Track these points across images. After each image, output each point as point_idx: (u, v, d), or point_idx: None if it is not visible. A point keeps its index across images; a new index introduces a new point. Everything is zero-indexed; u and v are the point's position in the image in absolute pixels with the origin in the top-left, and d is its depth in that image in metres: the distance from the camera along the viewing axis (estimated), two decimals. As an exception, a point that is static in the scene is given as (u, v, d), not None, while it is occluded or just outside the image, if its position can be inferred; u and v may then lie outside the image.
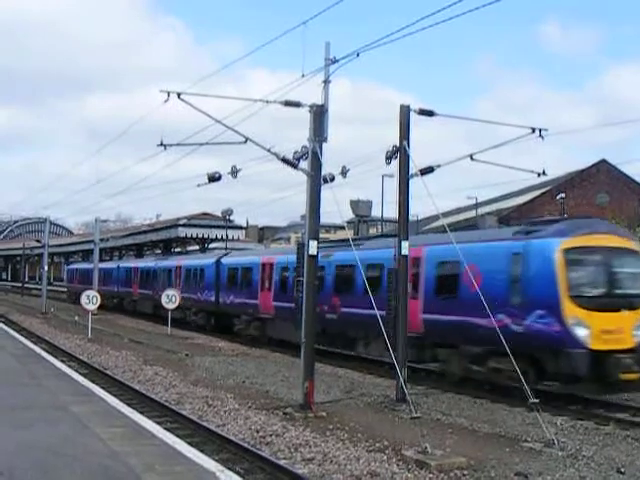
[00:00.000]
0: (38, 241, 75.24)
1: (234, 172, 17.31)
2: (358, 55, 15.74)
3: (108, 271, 61.71)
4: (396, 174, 18.63)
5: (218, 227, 60.72)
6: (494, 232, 22.34)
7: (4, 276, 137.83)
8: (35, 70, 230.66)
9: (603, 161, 59.85)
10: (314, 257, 16.79)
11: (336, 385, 20.56)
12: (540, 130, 18.44)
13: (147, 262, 54.76)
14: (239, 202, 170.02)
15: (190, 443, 11.71)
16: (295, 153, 16.68)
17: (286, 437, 13.56)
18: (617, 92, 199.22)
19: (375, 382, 21.66)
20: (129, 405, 15.06)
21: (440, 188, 46.48)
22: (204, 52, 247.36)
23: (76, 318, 44.42)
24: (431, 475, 11.23)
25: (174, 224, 61.24)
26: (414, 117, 18.09)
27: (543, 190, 57.43)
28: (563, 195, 51.67)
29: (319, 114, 16.50)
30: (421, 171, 18.15)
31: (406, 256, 18.21)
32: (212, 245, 64.08)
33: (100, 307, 54.22)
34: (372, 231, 68.85)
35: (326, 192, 16.91)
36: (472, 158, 19.23)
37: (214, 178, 17.79)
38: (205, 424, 14.57)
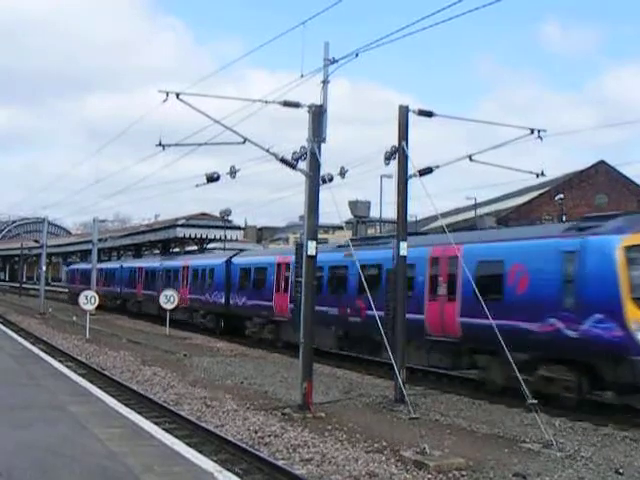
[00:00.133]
0: (36, 241, 75.20)
1: (233, 172, 17.31)
2: (357, 55, 15.76)
3: (111, 271, 60.80)
4: (395, 175, 18.64)
5: (216, 227, 60.64)
6: (541, 229, 21.10)
7: (2, 276, 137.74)
8: (35, 70, 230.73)
9: (602, 162, 59.94)
10: (313, 258, 16.77)
11: (335, 386, 20.55)
12: (539, 131, 18.43)
13: (152, 262, 53.36)
14: (238, 202, 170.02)
15: (188, 444, 11.70)
16: (294, 153, 16.69)
17: (284, 438, 13.56)
18: (617, 93, 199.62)
19: (374, 383, 21.65)
20: (127, 405, 15.04)
21: (439, 189, 46.80)
22: (204, 52, 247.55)
23: (74, 318, 44.37)
24: (430, 476, 11.23)
25: (172, 224, 61.18)
26: (414, 118, 18.09)
27: (542, 191, 57.52)
28: (562, 196, 51.78)
29: (318, 114, 16.50)
30: (420, 172, 18.15)
31: (404, 257, 18.19)
32: (210, 245, 64.02)
33: (102, 308, 54.27)
34: (370, 232, 68.85)
35: (325, 192, 16.95)
36: (471, 159, 19.21)
37: (213, 178, 17.78)
38: (203, 425, 14.56)
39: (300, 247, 17.72)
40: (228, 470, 9.96)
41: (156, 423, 13.40)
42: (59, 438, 10.88)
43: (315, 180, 16.68)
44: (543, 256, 17.86)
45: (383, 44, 15.35)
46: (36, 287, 79.44)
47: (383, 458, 12.14)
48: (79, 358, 25.86)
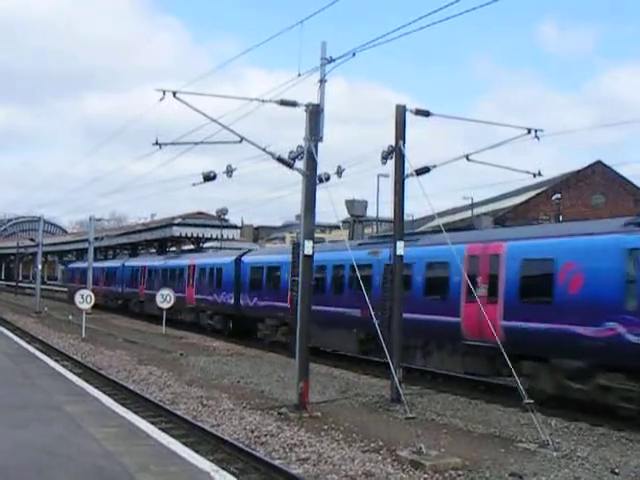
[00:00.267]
0: (32, 240, 75.14)
1: (229, 171, 17.28)
2: (354, 55, 15.75)
3: (111, 270, 59.38)
4: (392, 174, 18.62)
5: (213, 226, 60.59)
6: (596, 224, 19.65)
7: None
8: (33, 69, 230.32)
9: (598, 162, 59.98)
10: (310, 257, 16.75)
11: (331, 385, 20.54)
12: (536, 131, 18.43)
13: (155, 261, 51.52)
14: (234, 201, 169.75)
15: (185, 443, 11.68)
16: (291, 153, 16.67)
17: (281, 437, 13.55)
18: (614, 93, 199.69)
19: (370, 382, 21.64)
20: (123, 405, 15.02)
21: (436, 188, 46.69)
22: (202, 51, 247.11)
23: (70, 317, 44.32)
24: (426, 475, 11.22)
25: (169, 223, 61.11)
26: (411, 117, 18.08)
27: (539, 191, 57.54)
28: (559, 196, 51.79)
29: (315, 114, 16.49)
30: (417, 171, 18.14)
31: (401, 256, 18.16)
32: (207, 245, 63.96)
33: (103, 308, 54.06)
34: (367, 231, 68.82)
35: (321, 192, 16.94)
36: (468, 158, 19.20)
37: (209, 177, 17.76)
38: (200, 424, 14.54)
39: (297, 246, 17.70)
40: (224, 469, 9.96)
41: (152, 422, 13.38)
42: (55, 438, 10.86)
43: (312, 179, 16.67)
44: (601, 254, 16.39)
45: (380, 44, 15.36)
46: (32, 286, 79.37)
47: (379, 458, 12.13)
48: (75, 357, 25.84)
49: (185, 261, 43.92)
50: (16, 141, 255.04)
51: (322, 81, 16.47)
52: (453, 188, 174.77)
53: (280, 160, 16.55)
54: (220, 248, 56.50)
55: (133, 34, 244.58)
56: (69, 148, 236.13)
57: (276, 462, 11.65)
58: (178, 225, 59.26)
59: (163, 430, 12.68)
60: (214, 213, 61.78)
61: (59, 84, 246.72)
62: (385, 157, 18.09)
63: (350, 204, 57.11)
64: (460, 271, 19.45)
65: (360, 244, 26.05)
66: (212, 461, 10.55)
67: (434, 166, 18.89)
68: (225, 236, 61.31)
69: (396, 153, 17.94)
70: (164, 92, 15.55)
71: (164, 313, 37.91)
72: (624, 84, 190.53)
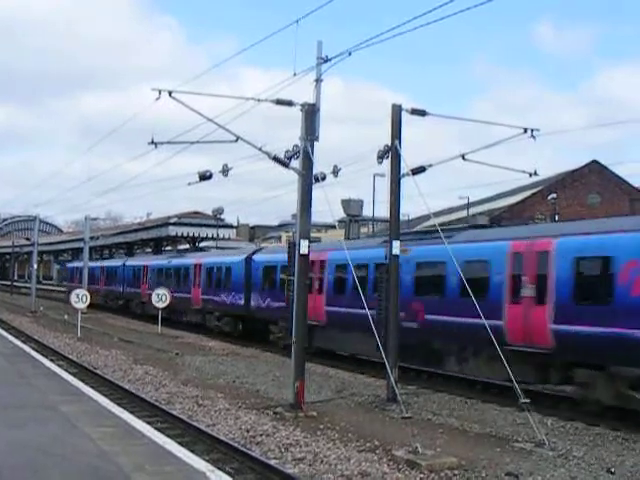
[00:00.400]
0: (27, 239, 75.03)
1: (225, 171, 17.28)
2: (350, 54, 15.75)
3: (112, 270, 57.85)
4: (388, 173, 18.62)
5: (209, 226, 60.55)
6: None
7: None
8: (32, 69, 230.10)
9: (594, 162, 60.05)
10: (305, 257, 16.73)
11: (327, 385, 20.53)
12: (532, 130, 18.45)
13: (159, 260, 49.92)
14: (230, 201, 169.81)
15: (180, 443, 11.65)
16: (286, 152, 16.67)
17: (276, 437, 13.53)
18: (610, 93, 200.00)
19: (366, 382, 21.64)
20: (119, 405, 14.98)
21: (432, 188, 46.74)
22: (199, 51, 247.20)
23: (65, 317, 44.25)
24: (422, 475, 11.22)
25: (165, 223, 61.07)
26: (407, 117, 18.11)
27: (534, 190, 57.59)
28: (555, 195, 51.84)
29: (311, 113, 16.47)
30: (413, 171, 18.15)
31: (397, 256, 18.16)
32: (203, 244, 63.92)
33: (103, 309, 53.76)
34: (363, 230, 68.84)
35: (317, 191, 16.94)
36: (464, 158, 19.21)
37: (205, 176, 17.75)
38: (195, 424, 14.52)
39: (293, 246, 17.68)
40: (220, 469, 9.91)
41: (148, 422, 13.34)
42: (50, 437, 10.82)
43: (308, 179, 16.66)
44: None
45: (376, 43, 15.38)
46: (27, 285, 79.24)
47: (375, 457, 12.13)
48: (70, 357, 25.78)
49: (191, 260, 42.27)
50: (14, 141, 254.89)
51: (318, 80, 16.46)
52: (449, 188, 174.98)
53: (276, 159, 16.54)
54: (216, 248, 56.38)
55: (131, 34, 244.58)
56: (66, 147, 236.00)
57: (272, 462, 11.63)
58: (174, 224, 59.22)
59: (159, 430, 12.64)
60: (210, 212, 61.76)
61: (57, 84, 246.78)
62: (381, 156, 18.09)
63: (346, 203, 57.08)
64: (502, 270, 18.53)
65: (385, 241, 24.20)
66: (208, 461, 10.53)
67: (430, 166, 18.90)
68: (221, 235, 61.29)
69: (392, 152, 17.95)
70: (160, 92, 15.54)
71: (159, 312, 37.82)
72: (620, 84, 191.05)
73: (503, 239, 19.19)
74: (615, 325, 15.41)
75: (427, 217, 42.32)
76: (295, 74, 16.45)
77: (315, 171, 16.80)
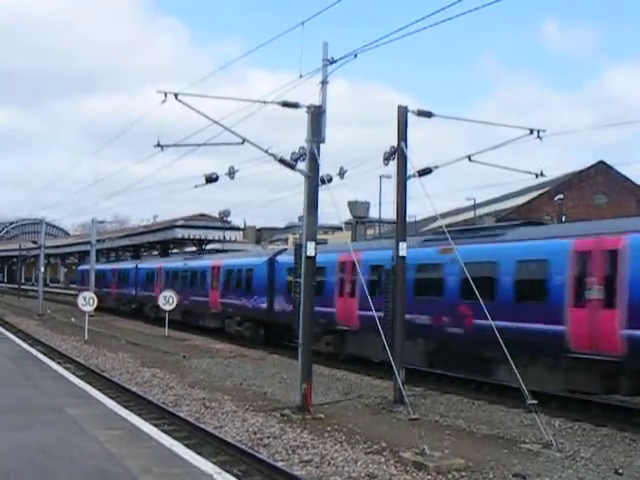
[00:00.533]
0: (34, 242, 75.22)
1: (231, 173, 17.29)
2: (356, 56, 15.75)
3: (124, 272, 56.29)
4: (394, 175, 18.61)
5: (215, 228, 60.68)
6: None
7: (0, 277, 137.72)
8: (34, 70, 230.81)
9: (601, 162, 60.03)
10: (312, 258, 16.73)
11: (334, 387, 20.51)
12: (538, 131, 18.41)
13: (174, 262, 48.18)
14: (236, 203, 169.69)
15: (187, 445, 11.66)
16: (293, 154, 16.67)
17: (284, 439, 13.52)
18: (616, 93, 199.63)
19: (373, 384, 21.60)
20: (126, 407, 15.00)
21: (439, 189, 46.79)
22: (204, 53, 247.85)
23: (73, 320, 44.33)
24: (429, 477, 11.20)
25: (171, 225, 61.25)
26: (413, 118, 18.07)
27: (541, 191, 57.58)
28: (561, 196, 51.79)
29: (317, 115, 16.48)
30: (419, 172, 18.13)
31: (404, 257, 18.13)
32: (209, 246, 64.01)
33: (116, 312, 53.57)
34: (370, 232, 68.85)
35: (324, 193, 16.92)
36: (470, 159, 19.20)
37: (211, 179, 17.76)
38: (202, 426, 14.52)
39: (299, 248, 17.67)
40: (227, 472, 9.93)
41: (155, 425, 13.37)
42: (57, 440, 10.84)
43: (314, 181, 16.66)
44: None
45: (382, 44, 15.34)
46: (34, 288, 79.44)
47: (382, 459, 12.11)
48: (78, 360, 25.83)
49: (208, 262, 40.41)
50: (16, 143, 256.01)
51: (324, 82, 16.46)
52: (455, 189, 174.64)
53: (282, 162, 16.54)
54: (222, 250, 56.36)
55: (134, 35, 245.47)
56: (70, 150, 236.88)
57: (279, 464, 11.63)
58: (180, 227, 59.39)
59: (166, 432, 12.66)
60: (216, 215, 61.90)
61: (59, 85, 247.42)
62: (387, 158, 18.08)
63: (352, 205, 57.17)
64: (564, 270, 17.06)
65: (426, 240, 23.01)
66: (215, 463, 10.53)
67: (436, 167, 18.88)
68: (227, 238, 61.42)
69: (398, 154, 17.94)
70: (166, 94, 15.54)
71: (167, 314, 37.83)
72: (625, 84, 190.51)
73: (564, 236, 17.75)
74: None
75: (434, 218, 42.28)
76: (301, 76, 16.47)
77: (321, 173, 16.80)
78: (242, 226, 77.48)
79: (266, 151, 16.46)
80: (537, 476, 11.41)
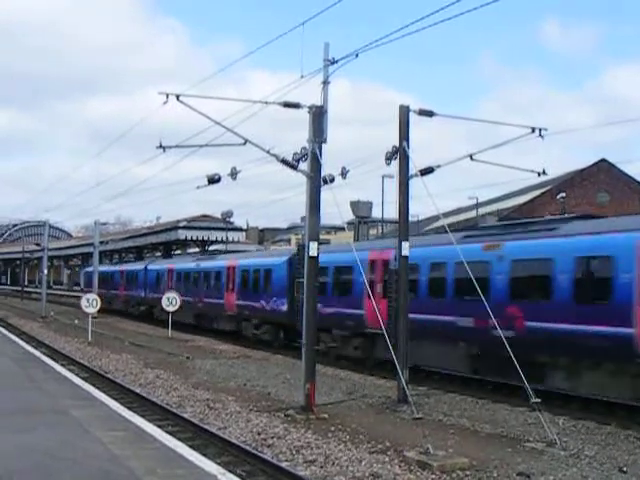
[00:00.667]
0: (37, 244, 75.32)
1: (234, 174, 17.29)
2: (357, 56, 15.76)
3: (133, 274, 55.06)
4: (396, 175, 18.62)
5: (218, 229, 60.70)
6: None
7: (3, 280, 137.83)
8: (35, 72, 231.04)
9: (603, 160, 59.98)
10: (315, 258, 16.73)
11: (338, 387, 20.51)
12: (540, 130, 18.42)
13: (186, 262, 46.56)
14: (239, 204, 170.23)
15: (191, 446, 11.67)
16: (295, 154, 16.67)
17: (288, 439, 13.53)
18: (618, 91, 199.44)
19: (376, 383, 21.60)
20: (130, 409, 15.01)
21: (441, 188, 46.77)
22: (205, 53, 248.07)
23: (76, 322, 44.36)
24: (433, 476, 11.20)
25: (174, 226, 61.26)
26: (414, 117, 18.11)
27: (543, 190, 57.55)
28: (564, 194, 51.77)
29: (318, 115, 16.48)
30: (421, 171, 18.13)
31: (407, 257, 18.11)
32: (212, 247, 64.05)
33: (124, 315, 53.38)
34: (372, 232, 68.83)
35: (326, 193, 16.91)
36: (472, 158, 19.20)
37: (214, 180, 17.77)
38: (206, 427, 14.53)
39: (302, 248, 17.68)
40: (231, 472, 9.94)
41: (159, 426, 13.39)
42: (61, 442, 10.85)
43: (316, 181, 16.66)
44: None
45: (383, 44, 15.36)
46: (38, 290, 79.53)
47: (386, 459, 12.11)
48: (81, 361, 25.85)
49: (223, 262, 38.80)
50: (18, 145, 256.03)
51: (325, 82, 16.47)
52: (457, 188, 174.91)
53: (284, 162, 16.55)
54: (226, 251, 56.32)
55: (134, 36, 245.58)
56: (71, 152, 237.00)
57: (283, 464, 11.63)
58: (183, 228, 59.39)
59: (170, 433, 12.67)
60: (219, 216, 61.97)
61: (60, 87, 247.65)
62: (389, 158, 18.09)
63: (355, 205, 57.18)
64: (631, 267, 15.68)
65: (467, 236, 21.19)
66: (219, 464, 10.53)
67: (438, 166, 18.90)
68: (230, 239, 61.45)
69: (400, 154, 17.94)
70: (167, 95, 15.54)
71: (170, 315, 37.84)
72: (626, 82, 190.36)
73: (631, 230, 16.32)
74: None
75: (436, 218, 42.26)
76: (302, 76, 16.48)
77: (323, 173, 16.81)
78: (245, 227, 77.52)
79: (268, 152, 16.47)
80: (541, 475, 11.41)
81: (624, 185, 58.75)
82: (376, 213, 59.91)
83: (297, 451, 12.66)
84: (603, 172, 59.33)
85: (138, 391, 19.26)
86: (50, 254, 71.83)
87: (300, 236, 67.75)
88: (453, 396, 19.36)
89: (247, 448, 12.68)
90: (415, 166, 18.10)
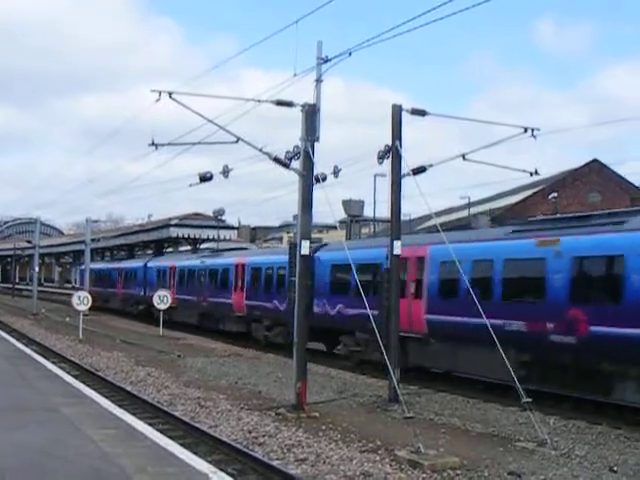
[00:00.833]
0: (29, 242, 75.08)
1: (226, 172, 17.28)
2: (350, 54, 15.76)
3: (131, 271, 53.66)
4: (388, 174, 18.63)
5: (210, 227, 60.59)
6: None
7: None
8: (31, 70, 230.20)
9: (595, 161, 60.20)
10: (306, 257, 16.73)
11: (329, 385, 20.52)
12: (532, 130, 18.46)
13: (189, 260, 44.63)
14: (231, 202, 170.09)
15: (182, 444, 11.65)
16: (287, 153, 16.67)
17: (279, 438, 13.53)
18: (609, 91, 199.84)
19: (368, 382, 21.62)
20: (121, 407, 14.98)
21: (433, 187, 46.72)
22: (198, 52, 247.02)
23: (67, 319, 44.25)
24: (424, 475, 11.21)
25: (166, 224, 61.10)
26: (407, 117, 18.13)
27: (535, 190, 57.71)
28: (555, 194, 51.93)
29: (311, 113, 16.48)
30: (413, 171, 18.15)
31: (398, 256, 18.12)
32: (204, 245, 63.94)
33: (123, 314, 52.99)
34: (364, 231, 68.84)
35: (318, 192, 16.92)
36: (464, 158, 19.23)
37: (206, 178, 17.75)
38: (197, 425, 14.52)
39: (294, 247, 17.67)
40: (222, 471, 9.92)
41: (150, 424, 13.34)
42: (52, 440, 10.83)
43: (308, 179, 16.66)
44: None
45: (376, 43, 15.39)
46: (29, 288, 79.31)
47: (377, 458, 12.12)
48: (72, 359, 25.79)
49: (230, 259, 36.83)
50: (13, 142, 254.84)
51: (318, 81, 16.46)
52: (450, 187, 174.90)
53: (277, 160, 16.54)
54: (217, 249, 56.18)
55: (128, 34, 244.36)
56: (66, 149, 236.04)
57: (274, 463, 11.63)
58: (175, 226, 59.22)
59: (161, 431, 12.64)
60: (211, 214, 61.81)
61: (56, 85, 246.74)
62: (382, 157, 18.10)
63: (347, 204, 57.12)
64: None
65: (516, 231, 19.44)
66: (210, 462, 10.52)
67: (431, 165, 18.93)
68: (222, 237, 61.36)
69: (393, 153, 17.95)
70: (160, 93, 15.53)
71: (161, 313, 37.78)
72: (620, 82, 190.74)
73: None
74: None
75: (428, 217, 42.32)
76: (295, 75, 16.47)
77: (316, 172, 16.81)
78: (237, 225, 77.46)
79: (260, 150, 16.46)
80: (532, 474, 11.43)
81: (615, 185, 58.97)
82: (368, 212, 59.92)
83: (288, 450, 12.66)
84: (595, 172, 59.57)
85: (129, 389, 19.24)
86: (41, 251, 71.74)
87: (292, 234, 67.77)
88: (444, 395, 19.39)
89: (238, 446, 12.68)
90: (407, 165, 18.13)
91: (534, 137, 18.56)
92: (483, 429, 15.05)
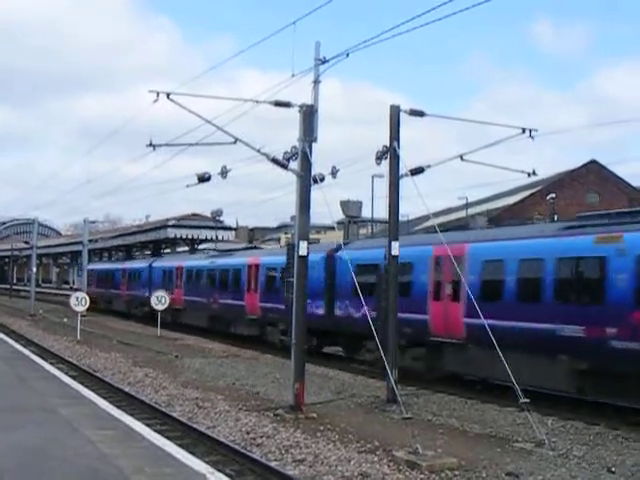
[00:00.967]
0: (26, 242, 75.03)
1: (224, 173, 17.29)
2: (348, 55, 15.79)
3: (136, 272, 51.83)
4: (386, 174, 18.64)
5: (208, 228, 60.55)
6: None
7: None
8: (29, 70, 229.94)
9: (593, 161, 60.32)
10: (304, 258, 16.73)
11: (327, 386, 20.51)
12: (530, 130, 18.47)
13: (198, 260, 42.90)
14: (229, 203, 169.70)
15: (180, 445, 11.65)
16: (285, 154, 16.68)
17: (277, 438, 13.52)
18: (607, 92, 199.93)
19: (366, 383, 21.61)
20: (118, 407, 14.97)
21: (431, 188, 46.72)
22: (196, 52, 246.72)
23: (65, 320, 44.22)
24: (422, 476, 11.22)
25: (163, 225, 61.05)
26: (405, 117, 18.12)
27: (533, 190, 57.78)
28: (553, 195, 51.98)
29: (309, 114, 16.49)
30: (411, 171, 18.16)
31: (396, 257, 18.12)
32: (202, 246, 63.90)
33: (127, 316, 52.64)
34: (362, 232, 68.86)
35: (316, 193, 16.92)
36: (462, 158, 19.24)
37: (204, 178, 17.76)
38: (195, 426, 14.51)
39: (292, 248, 17.67)
40: (220, 471, 9.92)
41: (147, 425, 13.34)
42: (50, 440, 10.82)
43: (306, 180, 16.66)
44: None
45: (374, 44, 15.39)
46: (27, 289, 79.18)
47: (375, 458, 12.12)
48: (70, 360, 25.78)
49: (243, 259, 35.27)
50: (11, 142, 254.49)
51: (316, 82, 16.48)
52: (447, 188, 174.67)
53: (274, 161, 16.55)
54: (215, 250, 56.09)
55: (126, 34, 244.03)
56: (63, 149, 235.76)
57: (272, 463, 11.63)
58: (173, 227, 59.16)
59: (158, 432, 12.64)
60: (209, 215, 61.75)
61: (54, 85, 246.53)
62: (379, 157, 18.10)
63: (345, 205, 57.05)
64: None
65: (570, 227, 17.95)
66: (208, 463, 10.52)
67: (428, 166, 18.93)
68: (220, 237, 61.32)
69: (390, 153, 17.96)
70: (158, 93, 15.53)
71: (159, 314, 37.72)
72: (618, 83, 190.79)
73: None
74: None
75: (426, 217, 42.36)
76: (293, 75, 16.50)
77: (313, 172, 16.81)
78: (234, 226, 77.41)
79: (258, 150, 16.47)
80: (530, 475, 11.44)
81: (613, 186, 59.09)
82: (366, 213, 59.92)
83: (286, 450, 12.66)
84: (593, 173, 59.67)
85: (127, 390, 19.23)
86: (39, 252, 71.73)
87: (290, 235, 67.74)
88: (442, 396, 19.39)
89: (236, 447, 12.68)
90: (405, 166, 18.13)
91: (532, 138, 18.59)
92: (481, 430, 15.05)
